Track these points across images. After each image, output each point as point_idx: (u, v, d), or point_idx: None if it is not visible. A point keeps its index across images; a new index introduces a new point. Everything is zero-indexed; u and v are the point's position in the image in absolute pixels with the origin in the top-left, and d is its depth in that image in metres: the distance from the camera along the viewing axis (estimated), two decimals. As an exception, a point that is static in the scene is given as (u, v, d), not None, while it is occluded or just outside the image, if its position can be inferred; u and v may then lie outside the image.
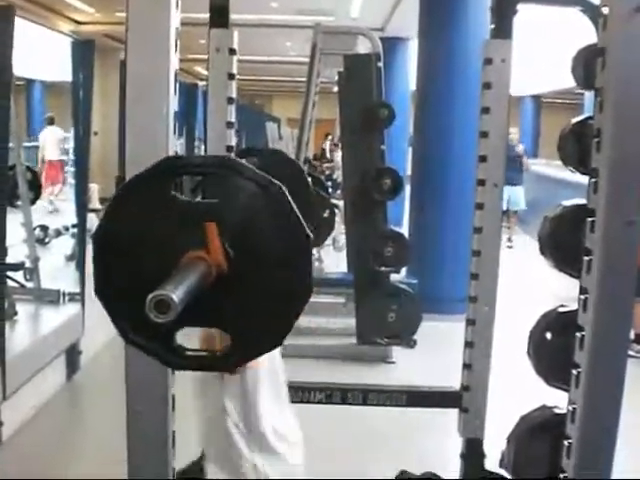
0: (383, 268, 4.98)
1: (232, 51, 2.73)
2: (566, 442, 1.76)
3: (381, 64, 5.00)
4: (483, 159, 2.79)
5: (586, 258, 1.72)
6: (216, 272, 1.31)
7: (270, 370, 2.12)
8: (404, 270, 6.62)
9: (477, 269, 2.85)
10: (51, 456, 3.82)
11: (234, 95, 2.82)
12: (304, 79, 6.10)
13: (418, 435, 3.96)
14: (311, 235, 1.37)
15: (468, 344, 2.88)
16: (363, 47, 7.20)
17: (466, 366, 2.91)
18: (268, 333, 1.37)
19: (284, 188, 1.34)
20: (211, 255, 1.31)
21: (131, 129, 1.61)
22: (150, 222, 1.34)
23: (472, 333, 2.87)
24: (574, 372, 1.76)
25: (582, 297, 1.75)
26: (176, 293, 1.16)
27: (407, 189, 7.54)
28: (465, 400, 2.91)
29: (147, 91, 1.60)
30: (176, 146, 1.83)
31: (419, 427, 3.93)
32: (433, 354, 5.12)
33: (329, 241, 8.49)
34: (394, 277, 5.49)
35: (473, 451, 2.94)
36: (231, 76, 2.78)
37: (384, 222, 5.09)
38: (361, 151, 5.13)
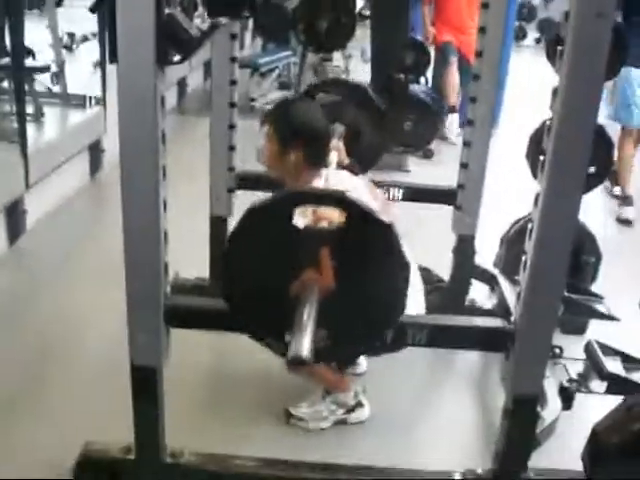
0: (402, 75, 4.92)
1: None
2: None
3: None
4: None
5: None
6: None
7: None
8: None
9: (479, 70, 2.87)
10: (73, 243, 4.07)
11: None
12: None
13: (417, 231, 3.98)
14: (410, 269, 1.75)
15: (466, 144, 2.94)
16: None
17: (463, 165, 2.98)
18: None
19: (394, 226, 1.68)
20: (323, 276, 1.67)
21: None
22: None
23: (471, 133, 2.93)
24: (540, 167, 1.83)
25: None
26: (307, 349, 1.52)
27: None
28: (460, 198, 3.01)
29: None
30: None
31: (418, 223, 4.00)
32: (449, 165, 5.17)
33: (357, 51, 8.30)
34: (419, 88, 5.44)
35: (464, 247, 3.08)
36: None
37: (406, 30, 4.98)
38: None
